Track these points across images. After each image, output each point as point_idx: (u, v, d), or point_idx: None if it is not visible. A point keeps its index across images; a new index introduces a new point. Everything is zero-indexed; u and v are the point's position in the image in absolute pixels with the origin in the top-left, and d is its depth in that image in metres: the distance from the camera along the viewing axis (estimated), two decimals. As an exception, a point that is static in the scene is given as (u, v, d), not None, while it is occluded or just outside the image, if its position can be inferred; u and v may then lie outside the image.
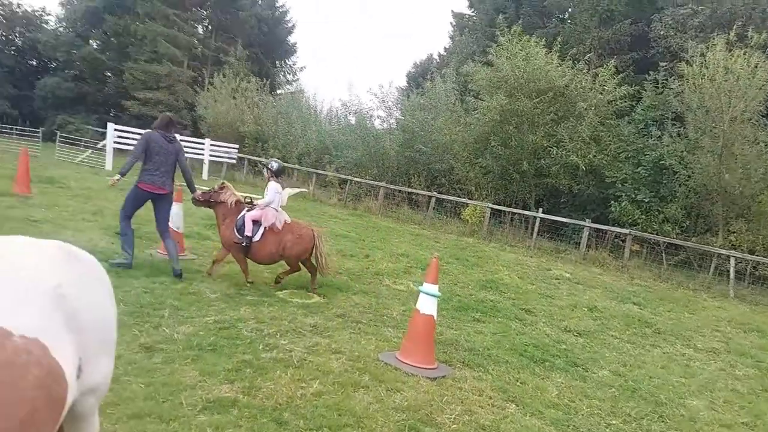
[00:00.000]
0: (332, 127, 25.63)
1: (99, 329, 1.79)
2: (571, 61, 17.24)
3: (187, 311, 5.04)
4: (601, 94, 16.81)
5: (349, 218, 16.08)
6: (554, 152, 16.34)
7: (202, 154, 22.62)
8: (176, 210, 7.29)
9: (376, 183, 19.78)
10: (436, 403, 3.97)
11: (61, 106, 31.99)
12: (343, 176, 20.85)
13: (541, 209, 16.20)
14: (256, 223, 6.47)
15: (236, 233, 6.45)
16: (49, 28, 35.98)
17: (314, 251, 6.65)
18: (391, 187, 19.54)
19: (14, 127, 26.21)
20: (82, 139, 24.38)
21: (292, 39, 39.09)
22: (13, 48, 35.00)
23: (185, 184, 7.02)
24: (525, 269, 11.50)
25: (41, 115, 32.24)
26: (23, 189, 10.06)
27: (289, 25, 38.70)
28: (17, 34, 35.02)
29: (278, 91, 32.03)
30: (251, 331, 4.79)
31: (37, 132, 25.05)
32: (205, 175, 22.25)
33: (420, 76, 33.54)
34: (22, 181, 10.17)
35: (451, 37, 33.88)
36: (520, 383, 4.73)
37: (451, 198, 18.02)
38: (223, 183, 7.14)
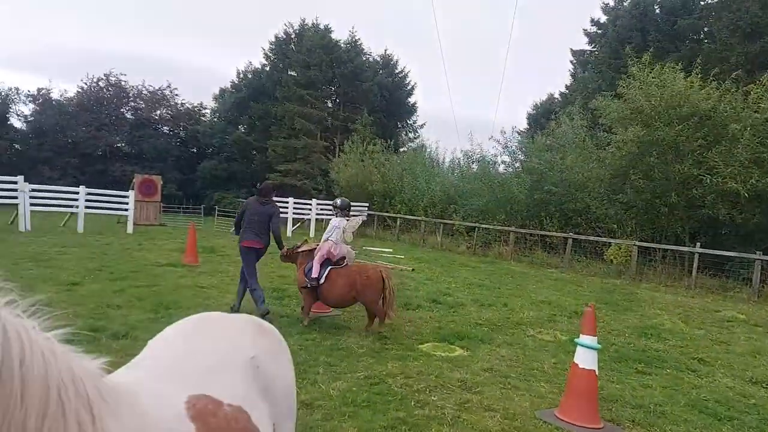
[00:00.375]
0: (455, 176, 25.87)
1: (286, 396, 1.91)
2: (715, 82, 15.68)
3: (339, 367, 5.24)
4: (757, 112, 14.92)
5: (481, 266, 15.78)
6: (707, 180, 14.69)
7: (336, 215, 24.02)
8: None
9: (505, 228, 19.32)
10: (609, 467, 3.59)
11: (217, 185, 36.47)
12: (470, 224, 20.71)
13: (698, 243, 14.45)
14: (323, 266, 6.73)
15: (305, 277, 6.76)
16: (205, 120, 41.82)
17: (385, 292, 6.66)
18: (522, 231, 18.92)
19: (180, 206, 30.33)
20: (235, 211, 27.34)
21: (411, 99, 40.88)
22: (178, 140, 41.04)
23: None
24: (688, 312, 10.24)
25: (201, 194, 36.95)
26: (191, 259, 11.45)
27: (408, 87, 40.60)
28: (181, 128, 41.11)
29: (402, 149, 33.37)
30: (401, 387, 4.81)
31: (199, 208, 28.66)
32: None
33: (542, 117, 32.84)
34: (191, 253, 11.59)
35: (573, 75, 32.99)
36: (707, 446, 4.11)
37: (591, 238, 16.89)
38: (304, 240, 7.74)
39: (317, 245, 7.13)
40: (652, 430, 4.34)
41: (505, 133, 23.40)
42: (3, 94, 36.52)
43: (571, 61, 33.58)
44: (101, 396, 1.12)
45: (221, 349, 1.73)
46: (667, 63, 16.25)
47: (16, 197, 15.79)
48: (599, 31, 30.27)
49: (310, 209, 23.16)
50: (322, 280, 6.70)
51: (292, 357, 2.17)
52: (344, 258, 6.95)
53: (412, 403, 4.44)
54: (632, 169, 16.20)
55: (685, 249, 14.90)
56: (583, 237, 17.06)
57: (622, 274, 15.20)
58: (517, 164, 22.68)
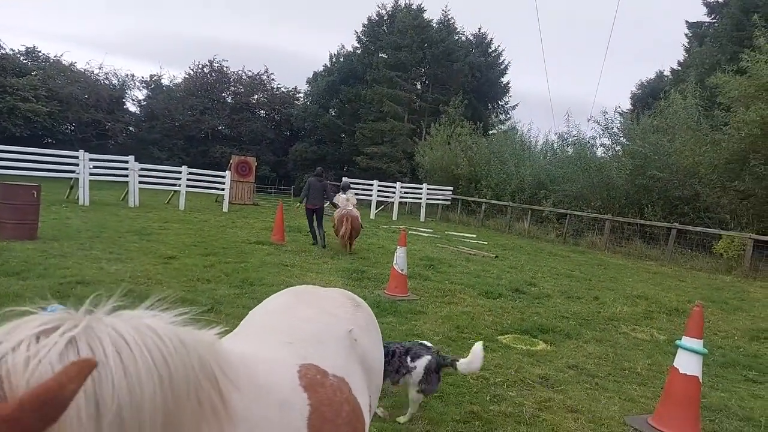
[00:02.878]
0: (547, 160, 24.61)
1: (378, 371, 1.93)
2: None
3: (413, 353, 5.11)
4: None
5: (571, 255, 14.94)
6: None
7: (420, 198, 23.89)
8: (400, 253, 7.63)
9: (600, 216, 18.12)
10: (711, 489, 3.16)
11: (307, 167, 37.70)
12: (562, 210, 19.64)
13: (831, 239, 12.63)
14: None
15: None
16: (299, 103, 43.20)
17: (343, 228, 10.95)
18: (620, 219, 17.62)
19: (272, 186, 31.70)
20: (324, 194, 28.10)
21: (504, 79, 39.32)
22: (273, 123, 42.79)
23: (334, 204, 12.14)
24: (815, 316, 8.96)
25: (292, 175, 38.41)
26: (278, 238, 11.86)
27: (502, 66, 39.05)
28: (276, 112, 42.80)
29: (491, 132, 32.29)
30: (476, 379, 4.58)
31: (289, 189, 29.78)
32: (422, 217, 23.39)
33: (648, 96, 30.31)
34: (278, 232, 12.01)
35: (687, 50, 29.98)
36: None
37: (698, 229, 15.34)
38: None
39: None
40: (765, 450, 3.80)
41: (606, 113, 21.81)
42: (120, 80, 40.04)
43: (686, 34, 30.50)
44: (224, 373, 1.13)
45: (323, 321, 1.77)
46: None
47: (127, 175, 17.28)
48: (720, 0, 27.19)
49: (394, 192, 23.17)
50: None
51: None
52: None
53: (488, 398, 4.21)
54: (753, 153, 14.42)
55: (815, 245, 13.09)
56: (689, 228, 15.54)
57: (733, 269, 13.69)
58: (618, 147, 21.05)
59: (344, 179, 13.24)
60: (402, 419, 3.57)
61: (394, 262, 7.65)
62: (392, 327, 5.92)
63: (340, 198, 12.30)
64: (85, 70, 37.81)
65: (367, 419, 1.67)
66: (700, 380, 3.93)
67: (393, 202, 23.32)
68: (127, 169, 17.31)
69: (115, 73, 40.01)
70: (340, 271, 9.00)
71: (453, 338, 5.76)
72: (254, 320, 1.80)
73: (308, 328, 1.70)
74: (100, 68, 39.27)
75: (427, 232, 17.50)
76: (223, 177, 19.88)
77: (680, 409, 3.85)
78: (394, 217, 22.53)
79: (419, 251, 12.24)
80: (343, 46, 41.46)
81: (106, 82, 38.95)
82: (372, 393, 1.82)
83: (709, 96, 17.87)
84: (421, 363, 3.46)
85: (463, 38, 38.27)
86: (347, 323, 1.82)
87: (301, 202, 12.00)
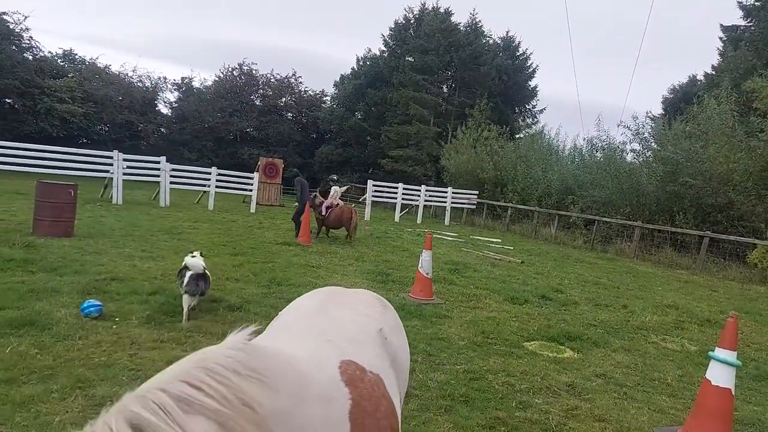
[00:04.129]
0: (575, 165, 24.25)
1: (405, 370, 1.99)
2: None
3: (438, 357, 5.12)
4: None
5: (598, 262, 14.69)
6: None
7: (445, 202, 23.81)
8: (426, 256, 7.64)
9: (630, 222, 17.78)
10: (743, 505, 3.09)
11: (332, 169, 37.94)
12: (590, 216, 19.33)
13: None
14: (327, 208, 13.04)
15: (318, 213, 13.09)
16: (325, 106, 43.54)
17: (351, 222, 12.90)
18: (650, 226, 17.27)
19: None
20: (347, 196, 28.22)
21: (532, 83, 38.91)
22: (300, 126, 43.25)
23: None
24: None
25: (318, 177, 38.73)
26: (305, 239, 11.98)
27: (530, 70, 38.65)
28: (303, 115, 43.25)
29: (518, 136, 31.98)
30: (502, 385, 4.57)
31: (314, 190, 30.01)
32: (447, 221, 23.32)
33: (681, 101, 29.62)
34: (304, 233, 12.14)
35: (722, 54, 29.20)
36: None
37: (731, 238, 14.92)
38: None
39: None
40: (801, 467, 3.69)
41: (637, 118, 21.38)
42: (153, 82, 41.05)
43: (721, 38, 29.68)
44: (250, 369, 1.17)
45: (357, 320, 1.83)
46: None
47: (158, 175, 17.69)
48: (757, 3, 26.39)
49: (419, 196, 23.16)
50: (324, 213, 12.91)
51: None
52: (338, 205, 13.07)
53: (514, 404, 4.19)
54: (790, 160, 13.98)
55: None
56: (722, 236, 15.13)
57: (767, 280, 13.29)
58: (649, 153, 20.59)
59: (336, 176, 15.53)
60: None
61: (419, 265, 7.67)
62: (417, 330, 5.93)
63: (336, 191, 13.40)
64: (119, 72, 38.95)
65: (400, 416, 1.72)
66: (733, 393, 3.84)
67: (417, 206, 23.32)
68: (158, 169, 17.74)
69: (149, 76, 41.10)
70: (365, 273, 9.06)
71: (478, 343, 5.75)
72: (288, 320, 1.84)
73: (344, 327, 1.76)
74: (134, 71, 40.39)
75: (451, 236, 17.44)
76: (251, 178, 20.19)
77: (712, 422, 3.77)
78: (419, 221, 22.52)
79: (444, 255, 12.21)
80: (369, 49, 41.70)
81: (140, 84, 40.00)
82: (402, 390, 1.88)
83: (744, 101, 17.38)
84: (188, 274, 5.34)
85: (491, 41, 38.06)
86: (377, 323, 1.88)
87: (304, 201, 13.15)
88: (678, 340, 6.90)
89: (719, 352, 3.90)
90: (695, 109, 18.98)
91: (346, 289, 2.14)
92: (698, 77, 33.02)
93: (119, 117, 35.69)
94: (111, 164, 16.60)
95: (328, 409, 1.37)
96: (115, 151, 17.11)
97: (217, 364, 1.14)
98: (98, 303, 5.13)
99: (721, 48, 29.72)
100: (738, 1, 27.44)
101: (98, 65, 37.58)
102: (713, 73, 29.10)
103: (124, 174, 16.82)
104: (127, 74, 39.52)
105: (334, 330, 1.72)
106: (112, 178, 16.62)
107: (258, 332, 1.49)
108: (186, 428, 0.99)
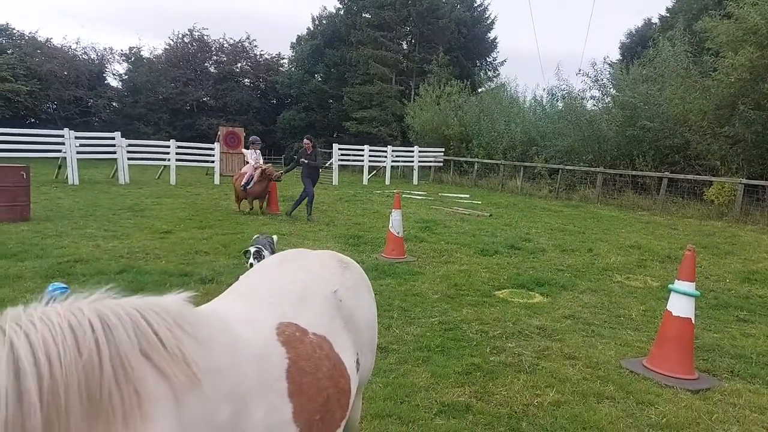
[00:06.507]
0: (538, 116, 24.46)
1: (368, 328, 2.00)
2: None
3: (413, 312, 5.22)
4: None
5: (564, 210, 15.06)
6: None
7: (412, 161, 23.81)
8: (396, 216, 7.68)
9: (592, 169, 18.19)
10: (704, 421, 3.31)
11: (295, 134, 37.29)
12: (554, 166, 19.68)
13: (820, 179, 12.80)
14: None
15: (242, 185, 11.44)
16: (284, 70, 42.28)
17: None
18: (611, 171, 17.73)
19: (263, 156, 31.42)
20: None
21: (491, 35, 38.59)
22: (258, 92, 42.04)
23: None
24: (804, 256, 9.18)
25: (282, 144, 38.00)
26: (273, 208, 11.84)
27: (488, 21, 38.25)
28: (261, 80, 41.99)
29: (480, 90, 31.93)
30: (476, 333, 4.71)
31: (279, 159, 29.55)
32: (415, 180, 23.38)
33: (637, 45, 29.95)
34: (273, 202, 11.98)
35: (674, -6, 29.46)
36: (820, 402, 3.68)
37: (689, 177, 15.47)
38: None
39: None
40: (753, 381, 3.96)
41: (595, 65, 21.57)
42: (99, 54, 39.03)
43: (673, -21, 29.91)
44: (180, 327, 1.20)
45: (307, 282, 1.83)
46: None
47: (114, 152, 17.06)
48: (708, -58, 26.52)
49: (386, 157, 23.06)
50: (250, 186, 11.30)
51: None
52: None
53: (488, 350, 4.33)
54: (742, 98, 14.40)
55: (803, 186, 13.28)
56: (680, 176, 15.67)
57: (724, 215, 13.89)
58: (608, 99, 20.91)
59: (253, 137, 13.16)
60: None
61: (390, 225, 7.71)
62: (391, 288, 6.01)
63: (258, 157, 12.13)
64: (62, 45, 36.83)
65: (354, 376, 1.74)
66: (693, 322, 4.06)
67: (385, 167, 23.25)
68: (114, 146, 17.08)
69: (93, 48, 39.12)
70: (337, 238, 9.06)
71: (451, 296, 5.87)
72: (241, 283, 1.87)
73: (291, 289, 1.77)
74: (77, 43, 38.38)
75: (420, 195, 17.53)
76: (212, 149, 19.68)
77: (674, 350, 3.99)
78: (387, 182, 22.50)
79: (414, 214, 12.29)
80: (325, 7, 40.69)
81: (85, 57, 38.03)
82: (361, 350, 1.88)
83: (697, 42, 17.69)
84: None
85: (448, -7, 37.38)
86: (332, 284, 1.88)
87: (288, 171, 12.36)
88: (641, 277, 7.20)
89: (678, 284, 4.08)
90: (651, 53, 19.25)
91: (306, 252, 2.12)
92: (653, 20, 33.36)
93: (66, 93, 34.01)
94: (63, 143, 15.88)
95: (262, 367, 1.39)
96: (66, 129, 16.35)
97: (155, 312, 1.18)
98: (64, 285, 4.99)
99: (674, -11, 29.95)
100: (689, -59, 27.50)
101: (38, 39, 35.42)
102: (667, 15, 29.42)
103: (78, 153, 16.13)
104: (70, 47, 37.47)
105: (279, 292, 1.74)
106: (65, 158, 15.94)
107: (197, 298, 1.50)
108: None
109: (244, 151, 12.44)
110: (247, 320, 1.51)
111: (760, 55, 13.60)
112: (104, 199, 12.25)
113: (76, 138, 16.17)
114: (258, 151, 12.22)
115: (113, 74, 40.34)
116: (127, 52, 40.49)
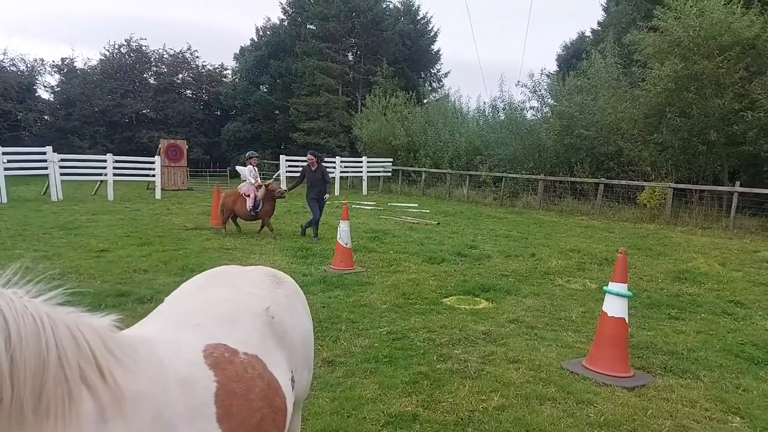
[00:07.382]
0: (481, 126, 25.16)
1: (303, 345, 1.96)
2: (759, 7, 14.49)
3: (361, 323, 5.21)
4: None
5: (508, 216, 15.51)
6: (749, 115, 13.81)
7: (361, 172, 23.86)
8: (344, 227, 7.66)
9: (534, 177, 18.85)
10: (640, 417, 3.47)
11: (242, 146, 36.47)
12: (497, 174, 20.26)
13: (738, 182, 13.79)
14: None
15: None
16: (227, 81, 41.40)
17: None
18: (551, 178, 18.43)
19: (207, 169, 30.57)
20: (261, 173, 27.41)
21: (435, 47, 39.36)
22: (202, 103, 40.92)
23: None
24: (726, 254, 9.85)
25: (227, 156, 37.10)
26: (217, 222, 11.54)
27: (431, 34, 39.02)
28: (204, 91, 40.92)
29: (425, 101, 32.44)
30: (423, 341, 4.75)
31: (225, 171, 28.85)
32: (364, 191, 23.44)
33: (572, 57, 31.36)
34: (216, 216, 11.67)
35: (605, 9, 31.13)
36: (743, 391, 3.94)
37: (623, 182, 16.32)
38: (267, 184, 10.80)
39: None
40: (685, 377, 4.19)
41: (533, 76, 22.43)
42: (29, 65, 36.90)
43: (604, -5, 31.61)
44: (108, 350, 1.19)
45: (236, 300, 1.78)
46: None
47: (46, 168, 16.16)
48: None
49: (334, 168, 23.00)
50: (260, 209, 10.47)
51: (311, 312, 2.15)
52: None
53: (435, 357, 4.38)
54: (668, 106, 15.37)
55: (724, 189, 14.27)
56: (615, 182, 16.51)
57: (656, 218, 14.72)
58: (546, 109, 21.79)
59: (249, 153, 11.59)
60: None
61: (338, 236, 7.68)
62: (340, 300, 5.98)
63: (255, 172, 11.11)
64: (-14, 56, 34.57)
65: (289, 394, 1.71)
66: (627, 321, 4.26)
67: (333, 178, 23.15)
68: (45, 161, 16.17)
69: (23, 59, 36.80)
70: (285, 251, 8.93)
71: (400, 305, 5.90)
72: (161, 307, 1.81)
73: (219, 308, 1.72)
74: (4, 54, 36.02)
75: (369, 205, 17.58)
76: (152, 163, 19.00)
77: (610, 349, 4.17)
78: (336, 192, 22.43)
79: (363, 224, 12.31)
80: (269, 18, 40.08)
81: (13, 68, 35.78)
82: (297, 368, 1.85)
83: (627, 54, 18.73)
84: None
85: (391, 5, 37.93)
86: (264, 301, 1.84)
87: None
88: (580, 280, 7.50)
89: (612, 286, 4.28)
90: (585, 64, 20.23)
91: (237, 269, 2.07)
92: (586, 33, 35.07)
93: (-7, 107, 31.90)
94: (-13, 160, 14.89)
95: (189, 393, 1.36)
96: (-9, 145, 15.35)
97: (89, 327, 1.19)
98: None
99: (604, 3, 31.66)
100: (616, -42, 29.14)
101: (-42, 49, 33.12)
102: (599, 28, 30.99)
103: (6, 169, 15.16)
104: (-4, 58, 35.18)
105: (206, 313, 1.69)
106: (-10, 175, 14.94)
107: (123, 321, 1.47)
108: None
109: (240, 168, 11.07)
110: (172, 343, 1.47)
111: (683, 66, 14.57)
112: (35, 218, 11.56)
113: (3, 154, 15.21)
114: (256, 168, 11.09)
115: (44, 86, 38.20)
116: (59, 63, 38.52)
